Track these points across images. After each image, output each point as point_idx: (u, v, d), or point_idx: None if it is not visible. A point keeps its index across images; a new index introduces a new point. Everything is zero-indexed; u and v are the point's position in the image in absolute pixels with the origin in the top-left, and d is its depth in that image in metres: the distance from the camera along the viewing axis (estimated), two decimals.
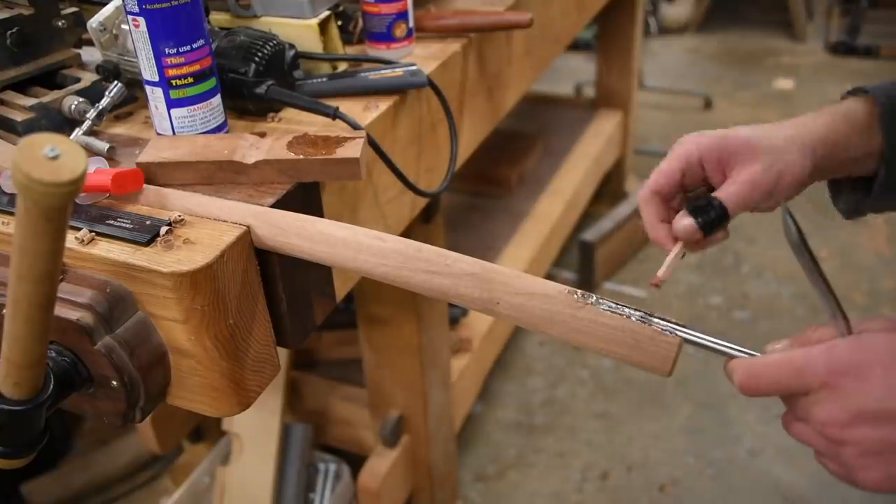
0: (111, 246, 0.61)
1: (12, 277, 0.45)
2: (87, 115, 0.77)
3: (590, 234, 2.14)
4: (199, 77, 0.72)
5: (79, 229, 0.62)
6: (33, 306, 0.46)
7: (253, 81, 0.78)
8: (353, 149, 0.69)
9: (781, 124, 0.67)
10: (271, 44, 0.79)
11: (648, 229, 0.67)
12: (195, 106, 0.73)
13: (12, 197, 0.66)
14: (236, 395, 0.65)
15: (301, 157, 0.68)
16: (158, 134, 0.75)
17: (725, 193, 0.64)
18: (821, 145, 0.65)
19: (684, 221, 0.64)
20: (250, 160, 0.68)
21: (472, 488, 1.65)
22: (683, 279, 2.23)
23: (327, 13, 0.89)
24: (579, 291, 0.57)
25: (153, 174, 0.69)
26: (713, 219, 0.64)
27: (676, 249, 0.66)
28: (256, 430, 1.36)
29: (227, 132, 0.77)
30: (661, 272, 0.64)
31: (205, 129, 0.75)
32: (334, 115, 0.77)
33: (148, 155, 0.70)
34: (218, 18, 0.90)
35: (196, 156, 0.69)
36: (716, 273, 2.24)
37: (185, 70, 0.71)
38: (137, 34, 0.70)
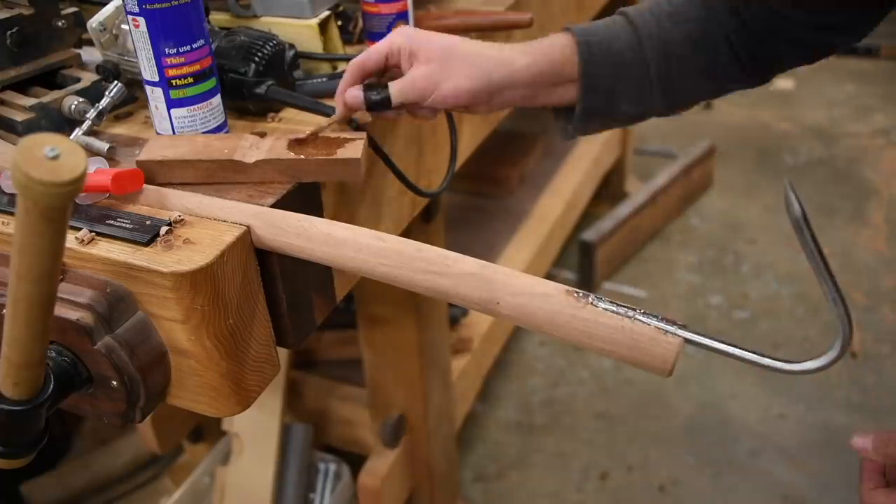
0: (111, 246, 0.61)
1: (12, 277, 0.45)
2: (87, 115, 0.77)
3: (590, 234, 2.14)
4: (199, 77, 0.72)
5: (79, 229, 0.62)
6: (33, 306, 0.46)
7: (253, 81, 0.78)
8: (354, 150, 0.69)
9: (483, 45, 0.74)
10: (271, 44, 0.79)
11: (337, 93, 0.74)
12: (195, 106, 0.73)
13: (12, 197, 0.66)
14: (236, 395, 0.65)
15: (301, 157, 0.68)
16: (158, 134, 0.75)
17: (394, 84, 0.73)
18: (501, 71, 0.72)
19: (355, 92, 0.73)
20: (250, 159, 0.68)
21: (472, 488, 1.65)
22: (683, 279, 2.23)
23: (327, 13, 0.89)
24: (579, 291, 0.57)
25: (154, 172, 0.69)
26: (376, 100, 0.73)
27: (336, 116, 0.74)
28: (256, 430, 1.36)
29: (227, 132, 0.77)
30: (326, 122, 0.72)
31: (205, 130, 0.75)
32: None
33: (149, 153, 0.70)
34: (218, 18, 0.90)
35: (196, 154, 0.69)
36: (716, 273, 2.24)
37: (185, 70, 0.71)
38: (137, 34, 0.70)
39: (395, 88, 0.73)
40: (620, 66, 0.74)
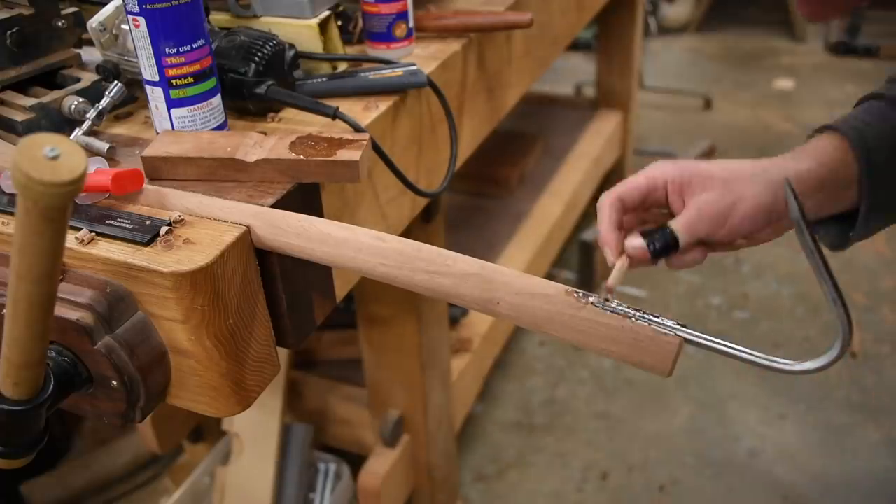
0: (111, 246, 0.61)
1: (12, 277, 0.45)
2: (87, 115, 0.77)
3: (590, 234, 2.14)
4: (199, 77, 0.72)
5: (79, 229, 0.62)
6: (33, 306, 0.46)
7: (253, 81, 0.78)
8: (354, 152, 0.69)
9: (755, 162, 0.67)
10: (271, 44, 0.79)
11: (602, 231, 0.69)
12: (195, 106, 0.73)
13: (12, 197, 0.66)
14: (236, 395, 0.65)
15: (301, 157, 0.68)
16: (157, 133, 0.75)
17: (677, 222, 0.66)
18: (794, 181, 0.64)
19: (635, 242, 0.67)
20: (251, 158, 0.68)
21: (472, 488, 1.65)
22: (683, 279, 2.23)
23: (327, 13, 0.89)
24: (579, 291, 0.57)
25: (157, 168, 0.70)
26: (661, 245, 0.66)
27: (622, 261, 0.67)
28: (256, 430, 1.36)
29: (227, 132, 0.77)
30: (611, 280, 0.64)
31: (205, 129, 0.75)
32: (334, 115, 0.77)
33: (153, 149, 0.70)
34: (218, 18, 0.90)
35: (200, 152, 0.69)
36: (716, 273, 2.24)
37: (185, 70, 0.71)
38: (137, 34, 0.70)
39: (681, 224, 0.66)
40: None
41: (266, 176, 0.69)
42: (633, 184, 0.69)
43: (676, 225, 0.66)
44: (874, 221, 0.68)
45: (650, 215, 0.73)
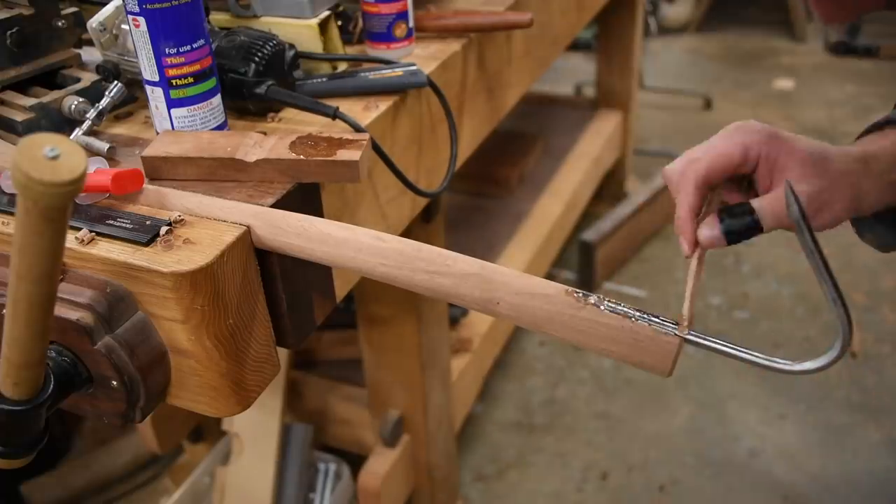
0: (111, 246, 0.61)
1: (12, 277, 0.45)
2: (87, 115, 0.77)
3: (590, 234, 2.14)
4: (199, 77, 0.72)
5: (79, 229, 0.62)
6: (33, 306, 0.46)
7: (253, 81, 0.78)
8: (354, 152, 0.69)
9: (850, 154, 0.62)
10: (271, 44, 0.79)
11: (681, 217, 0.61)
12: (195, 106, 0.73)
13: (12, 197, 0.66)
14: (236, 395, 0.65)
15: (301, 157, 0.68)
16: (157, 133, 0.75)
17: (765, 203, 0.59)
18: (875, 188, 0.61)
19: (709, 233, 0.59)
20: (251, 158, 0.68)
21: (472, 488, 1.65)
22: (683, 279, 2.23)
23: (327, 13, 0.89)
24: (579, 291, 0.57)
25: (157, 168, 0.70)
26: (743, 233, 0.59)
27: (694, 266, 0.60)
28: (256, 430, 1.36)
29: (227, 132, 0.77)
30: (685, 310, 0.57)
31: (205, 129, 0.75)
32: (334, 115, 0.77)
33: (153, 149, 0.70)
34: (218, 18, 0.90)
35: (200, 152, 0.69)
36: (716, 273, 2.24)
37: (185, 70, 0.71)
38: (137, 34, 0.70)
39: (768, 212, 0.58)
40: None
41: (266, 176, 0.69)
42: (725, 155, 0.60)
43: (762, 208, 0.58)
44: None
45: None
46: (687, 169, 0.61)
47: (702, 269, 0.61)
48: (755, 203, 0.59)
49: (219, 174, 0.69)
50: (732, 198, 0.65)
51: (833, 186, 0.60)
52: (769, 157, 0.60)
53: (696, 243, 0.60)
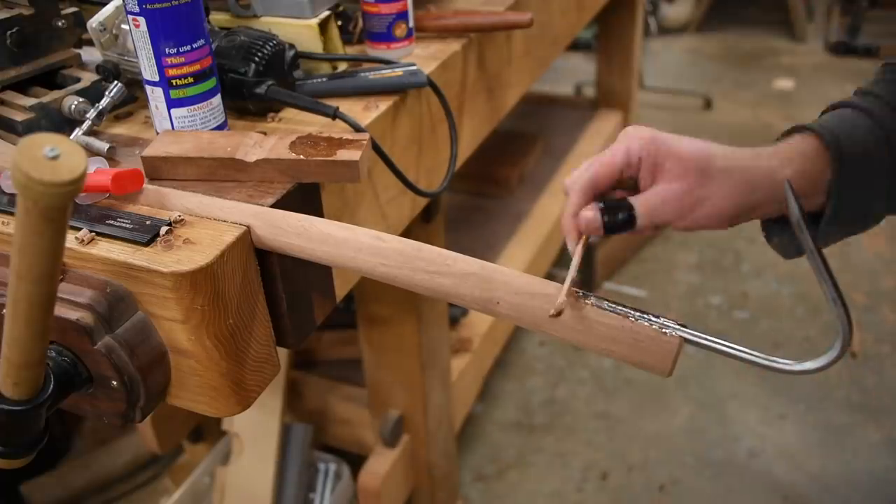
0: (111, 246, 0.61)
1: (12, 277, 0.45)
2: (87, 115, 0.77)
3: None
4: (199, 77, 0.72)
5: (79, 229, 0.62)
6: (33, 306, 0.46)
7: (253, 81, 0.78)
8: (354, 152, 0.69)
9: (736, 155, 0.64)
10: (271, 44, 0.79)
11: (565, 218, 0.65)
12: (195, 106, 0.73)
13: (12, 197, 0.66)
14: (236, 395, 0.65)
15: (301, 157, 0.68)
16: (157, 133, 0.75)
17: (640, 200, 0.63)
18: (764, 186, 0.63)
19: (589, 214, 0.63)
20: (251, 158, 0.68)
21: (472, 488, 1.65)
22: (683, 279, 2.23)
23: (327, 13, 0.89)
24: (579, 291, 0.57)
25: (157, 168, 0.70)
26: (619, 223, 0.63)
27: (579, 250, 0.64)
28: (256, 430, 1.36)
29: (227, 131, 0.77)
30: (565, 285, 0.57)
31: (205, 129, 0.75)
32: (334, 115, 0.77)
33: (153, 149, 0.70)
34: (218, 18, 0.90)
35: (199, 152, 0.69)
36: (716, 273, 2.24)
37: (185, 70, 0.71)
38: (137, 34, 0.70)
39: (643, 209, 0.63)
40: (869, 167, 0.63)
41: (266, 176, 0.69)
42: (608, 163, 0.64)
43: (638, 205, 0.63)
44: (831, 229, 0.66)
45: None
46: (575, 178, 0.66)
47: (583, 253, 0.64)
48: (633, 200, 0.63)
49: (219, 174, 0.70)
50: (619, 195, 0.68)
51: (713, 182, 0.62)
52: (650, 158, 0.63)
53: (578, 235, 0.65)
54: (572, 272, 0.60)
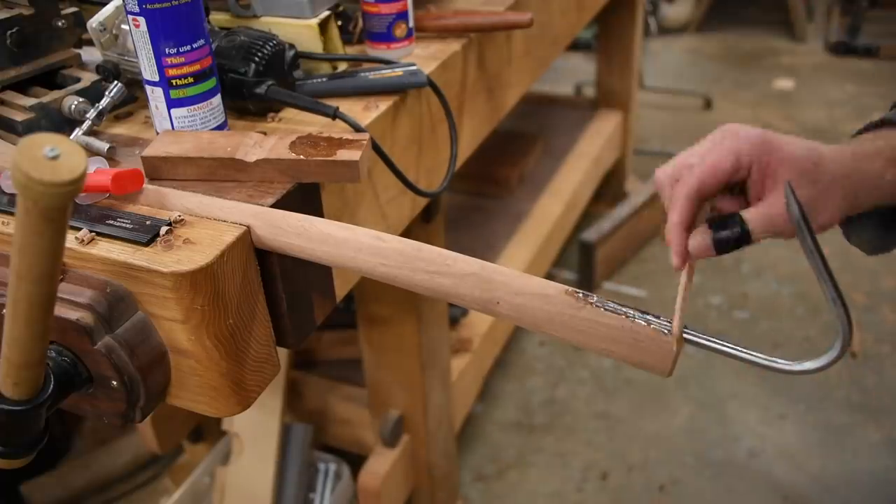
0: (111, 246, 0.61)
1: (12, 277, 0.45)
2: (87, 115, 0.77)
3: (590, 234, 2.14)
4: (199, 77, 0.72)
5: (79, 229, 0.62)
6: (33, 306, 0.46)
7: (253, 81, 0.78)
8: (354, 152, 0.69)
9: (842, 153, 0.61)
10: (271, 44, 0.79)
11: (673, 229, 0.60)
12: (195, 106, 0.73)
13: (12, 197, 0.66)
14: (236, 395, 0.65)
15: (301, 157, 0.68)
16: (157, 133, 0.75)
17: (753, 215, 0.59)
18: (872, 193, 0.61)
19: (702, 242, 0.59)
20: (251, 158, 0.68)
21: (472, 488, 1.65)
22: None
23: (327, 13, 0.89)
24: (579, 291, 0.57)
25: (157, 168, 0.70)
26: (732, 244, 0.58)
27: (684, 278, 0.60)
28: (256, 430, 1.36)
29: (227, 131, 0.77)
30: (675, 322, 0.56)
31: (205, 129, 0.75)
32: (334, 115, 0.77)
33: (153, 149, 0.70)
34: (218, 18, 0.90)
35: (199, 152, 0.69)
36: (716, 273, 2.24)
37: (185, 70, 0.71)
38: (137, 34, 0.70)
39: (757, 223, 0.58)
40: None
41: (266, 176, 0.69)
42: (716, 169, 0.59)
43: (753, 219, 0.58)
44: None
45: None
46: (679, 179, 0.61)
47: (691, 280, 0.61)
48: (745, 214, 0.59)
49: (219, 174, 0.70)
50: (724, 203, 0.65)
51: (827, 190, 0.60)
52: (761, 163, 0.59)
53: (686, 254, 0.60)
54: (681, 301, 0.56)
